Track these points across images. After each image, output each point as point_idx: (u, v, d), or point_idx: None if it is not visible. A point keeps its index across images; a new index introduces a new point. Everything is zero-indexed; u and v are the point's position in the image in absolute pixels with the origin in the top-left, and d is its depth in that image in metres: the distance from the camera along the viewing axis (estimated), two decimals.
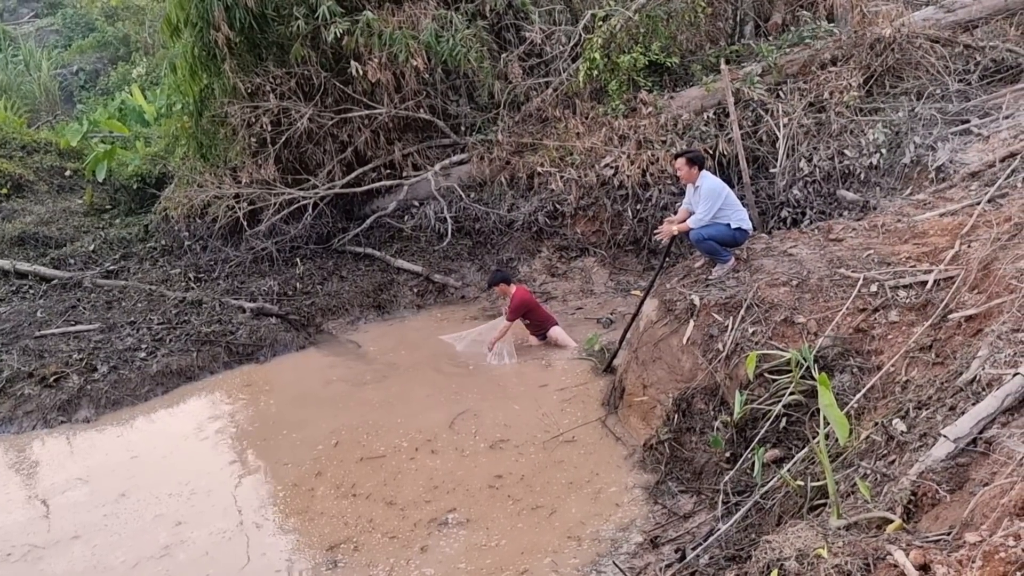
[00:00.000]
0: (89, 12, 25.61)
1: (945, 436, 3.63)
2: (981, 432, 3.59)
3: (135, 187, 14.41)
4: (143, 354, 9.14)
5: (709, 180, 7.17)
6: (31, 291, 11.00)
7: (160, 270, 11.64)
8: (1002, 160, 7.77)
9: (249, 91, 11.32)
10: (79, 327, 9.76)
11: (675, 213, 7.86)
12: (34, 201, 14.56)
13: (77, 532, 6.03)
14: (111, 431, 8.04)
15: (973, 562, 2.66)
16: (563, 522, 5.56)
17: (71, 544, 5.88)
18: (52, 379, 8.53)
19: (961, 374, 4.20)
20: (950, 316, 5.00)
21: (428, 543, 5.46)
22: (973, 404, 3.80)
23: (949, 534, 3.14)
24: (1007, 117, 8.92)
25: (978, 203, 6.62)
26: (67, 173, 15.99)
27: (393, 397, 8.11)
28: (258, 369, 9.35)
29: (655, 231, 7.88)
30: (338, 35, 10.67)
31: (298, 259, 11.44)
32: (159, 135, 15.62)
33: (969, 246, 5.73)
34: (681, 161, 7.31)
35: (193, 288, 10.89)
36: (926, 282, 5.55)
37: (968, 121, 9.24)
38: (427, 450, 6.82)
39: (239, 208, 11.41)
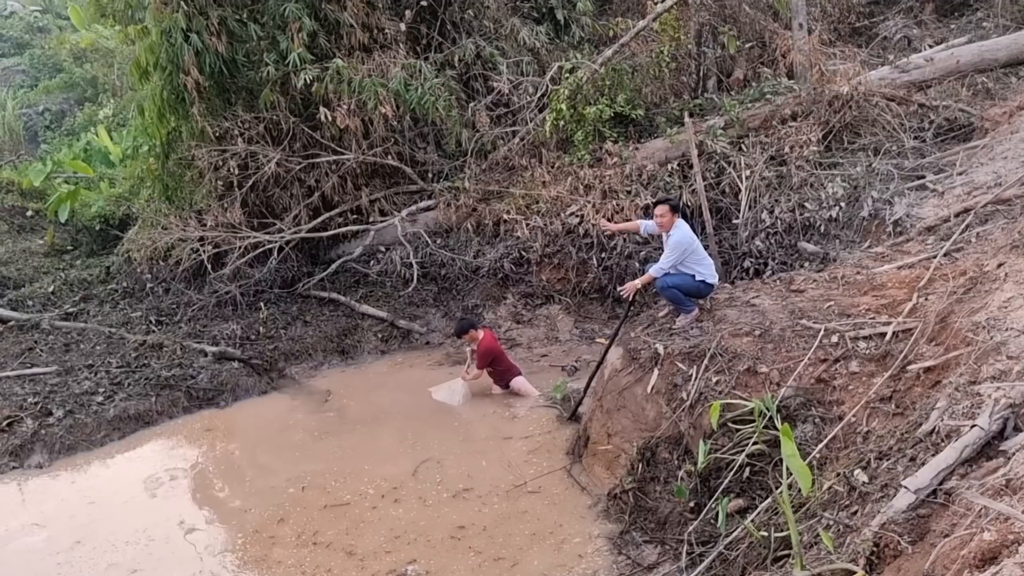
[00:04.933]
0: (57, 53, 25.44)
1: (906, 487, 3.67)
2: (941, 483, 3.64)
3: (98, 228, 14.23)
4: (100, 398, 8.93)
5: (680, 232, 7.10)
6: None
7: (121, 312, 11.44)
8: (956, 215, 8.00)
9: (217, 135, 11.30)
10: (35, 370, 9.53)
11: (640, 263, 7.89)
12: None
13: None
14: (65, 477, 7.83)
15: None
16: (525, 574, 5.50)
17: None
18: (5, 423, 8.30)
19: (920, 425, 4.27)
20: (909, 367, 5.09)
21: None
22: (933, 455, 3.86)
23: None
24: (960, 174, 9.19)
25: (934, 257, 6.78)
26: (28, 213, 15.74)
27: (358, 443, 8.01)
28: (219, 414, 9.18)
29: (619, 288, 7.84)
30: (308, 81, 10.73)
31: (262, 303, 11.31)
32: (124, 176, 15.45)
33: (926, 299, 5.87)
34: (664, 208, 7.17)
35: (154, 331, 10.70)
36: (885, 334, 5.66)
37: (924, 177, 9.51)
38: (391, 499, 6.73)
39: (203, 251, 11.31)
